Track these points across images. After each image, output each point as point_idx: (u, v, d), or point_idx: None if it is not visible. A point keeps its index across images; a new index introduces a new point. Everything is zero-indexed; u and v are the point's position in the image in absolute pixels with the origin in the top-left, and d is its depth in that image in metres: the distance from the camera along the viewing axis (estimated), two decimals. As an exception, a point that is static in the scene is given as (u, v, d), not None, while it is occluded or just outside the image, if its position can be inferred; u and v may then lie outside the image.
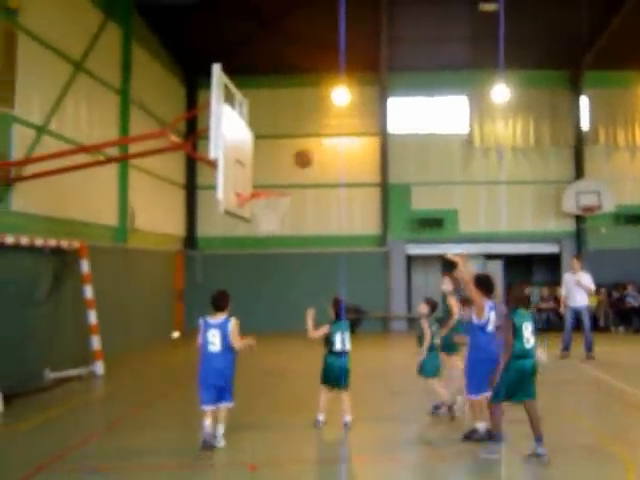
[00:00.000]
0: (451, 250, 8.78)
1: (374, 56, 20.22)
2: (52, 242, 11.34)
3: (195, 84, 21.21)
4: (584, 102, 21.38)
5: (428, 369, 8.49)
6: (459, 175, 21.41)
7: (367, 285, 19.92)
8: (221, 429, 7.23)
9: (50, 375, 11.06)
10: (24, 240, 10.47)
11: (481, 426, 7.28)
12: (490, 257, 21.15)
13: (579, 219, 20.96)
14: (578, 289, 13.70)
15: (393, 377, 12.14)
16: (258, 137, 11.93)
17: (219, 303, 7.31)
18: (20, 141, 11.68)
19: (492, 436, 6.84)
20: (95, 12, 14.82)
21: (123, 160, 15.36)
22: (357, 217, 21.32)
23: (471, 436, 7.31)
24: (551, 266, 21.33)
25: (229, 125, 9.30)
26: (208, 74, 9.06)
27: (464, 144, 21.48)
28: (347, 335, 8.03)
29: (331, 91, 20.31)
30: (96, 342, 12.36)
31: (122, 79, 16.21)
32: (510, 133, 21.23)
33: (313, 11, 17.71)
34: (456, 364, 8.97)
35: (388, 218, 21.16)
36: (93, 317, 12.40)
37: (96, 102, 14.87)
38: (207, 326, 7.21)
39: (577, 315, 13.83)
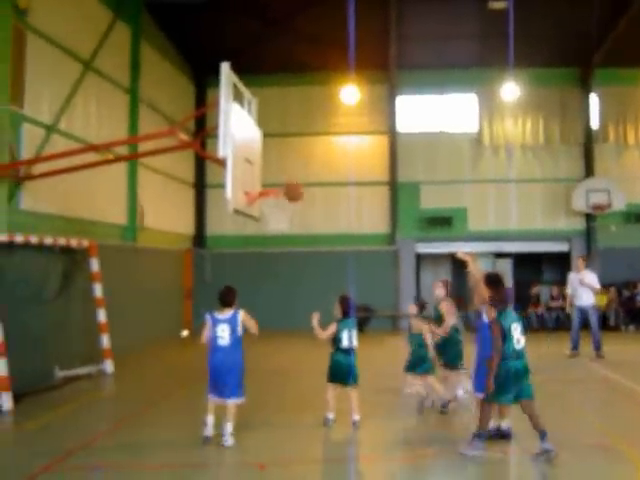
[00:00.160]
0: (460, 249, 8.74)
1: (383, 54, 20.15)
2: (61, 241, 11.36)
3: (204, 83, 21.23)
4: (594, 100, 21.24)
5: (422, 366, 8.64)
6: (468, 173, 21.33)
7: (376, 284, 19.88)
8: (229, 427, 7.18)
9: (59, 373, 11.10)
10: (34, 239, 10.50)
11: (504, 424, 7.22)
12: (499, 255, 21.07)
13: (589, 217, 20.82)
14: (584, 288, 13.62)
15: (402, 375, 12.06)
16: (267, 135, 11.89)
17: (226, 299, 7.49)
18: (29, 140, 11.71)
19: (478, 435, 6.77)
20: (104, 11, 14.86)
21: (132, 159, 15.42)
22: (366, 216, 21.27)
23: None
24: (561, 265, 21.17)
25: (238, 123, 9.30)
26: (217, 73, 9.05)
27: (473, 142, 21.39)
28: (354, 332, 8.00)
29: (340, 89, 20.22)
30: (105, 341, 12.39)
31: (131, 78, 16.24)
32: (520, 131, 21.14)
33: (322, 9, 17.72)
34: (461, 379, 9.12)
35: (397, 217, 21.11)
36: (102, 316, 12.43)
37: (105, 101, 14.91)
38: (216, 321, 7.35)
39: (584, 314, 13.73)
